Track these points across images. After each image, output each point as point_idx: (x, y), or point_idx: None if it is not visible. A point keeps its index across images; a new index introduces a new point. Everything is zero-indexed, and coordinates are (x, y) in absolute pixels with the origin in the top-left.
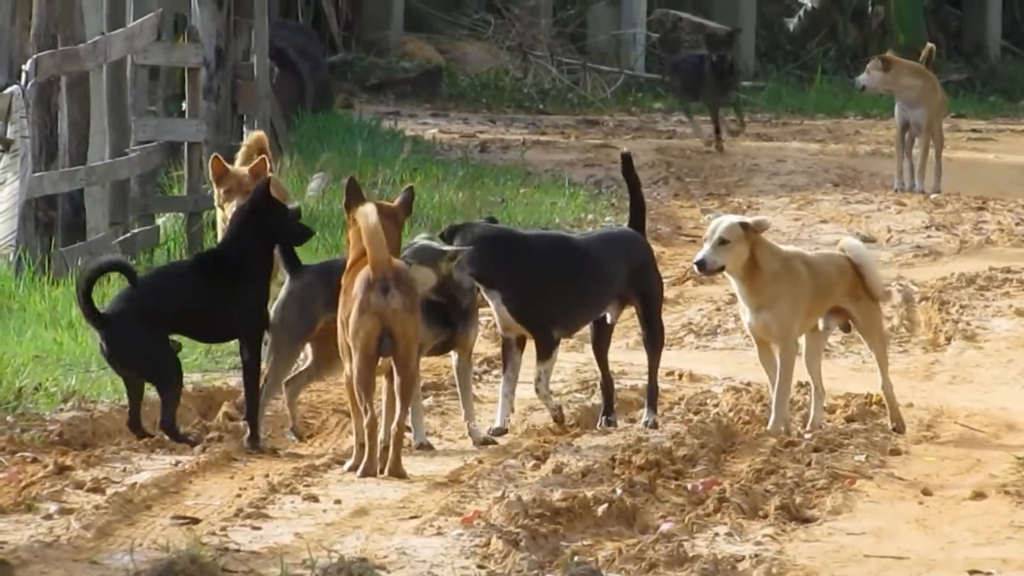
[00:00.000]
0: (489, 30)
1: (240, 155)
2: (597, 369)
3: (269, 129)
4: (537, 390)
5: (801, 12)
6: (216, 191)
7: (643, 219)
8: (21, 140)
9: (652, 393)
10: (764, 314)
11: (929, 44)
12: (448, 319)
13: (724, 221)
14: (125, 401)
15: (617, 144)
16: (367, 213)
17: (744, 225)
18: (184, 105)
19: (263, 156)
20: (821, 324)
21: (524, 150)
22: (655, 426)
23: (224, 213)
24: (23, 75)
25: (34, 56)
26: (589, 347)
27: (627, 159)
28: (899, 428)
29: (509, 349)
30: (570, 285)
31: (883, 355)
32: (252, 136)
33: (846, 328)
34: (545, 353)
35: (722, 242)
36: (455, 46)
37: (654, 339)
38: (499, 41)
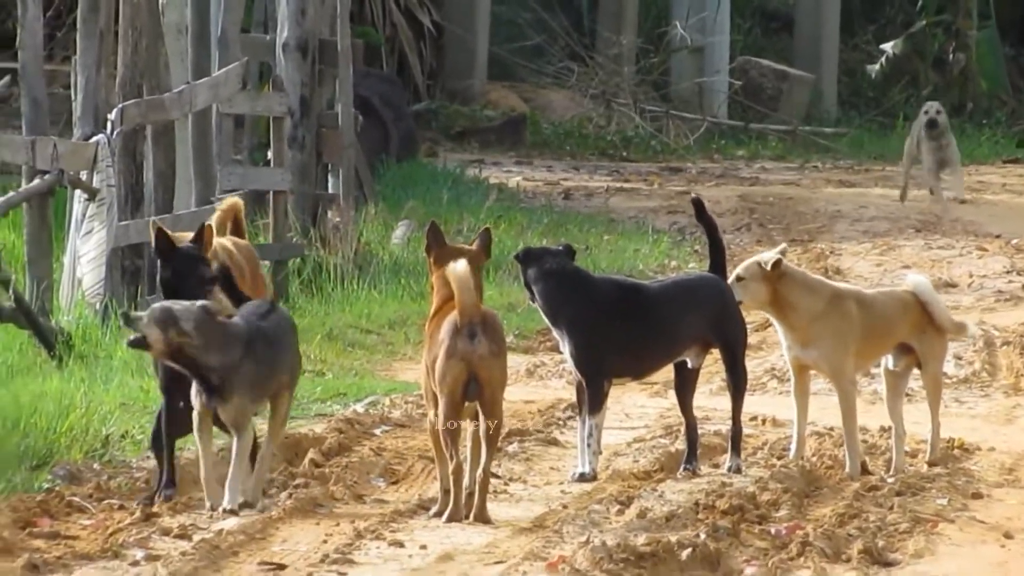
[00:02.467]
0: (573, 78)
1: (214, 219)
2: (680, 414)
3: (354, 178)
4: (588, 444)
5: (883, 59)
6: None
7: (723, 263)
8: (107, 189)
9: (736, 437)
10: (811, 351)
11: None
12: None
13: (747, 260)
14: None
15: (699, 191)
16: (456, 265)
17: (759, 264)
18: (269, 154)
19: (208, 226)
20: (891, 363)
21: (608, 197)
22: (739, 470)
23: None
24: (108, 124)
25: (120, 105)
26: (673, 392)
27: (698, 204)
28: (935, 463)
29: (581, 393)
30: (633, 334)
31: (936, 390)
32: (227, 201)
33: (919, 366)
34: (595, 406)
35: (739, 279)
36: (539, 94)
37: (737, 384)
38: (582, 89)
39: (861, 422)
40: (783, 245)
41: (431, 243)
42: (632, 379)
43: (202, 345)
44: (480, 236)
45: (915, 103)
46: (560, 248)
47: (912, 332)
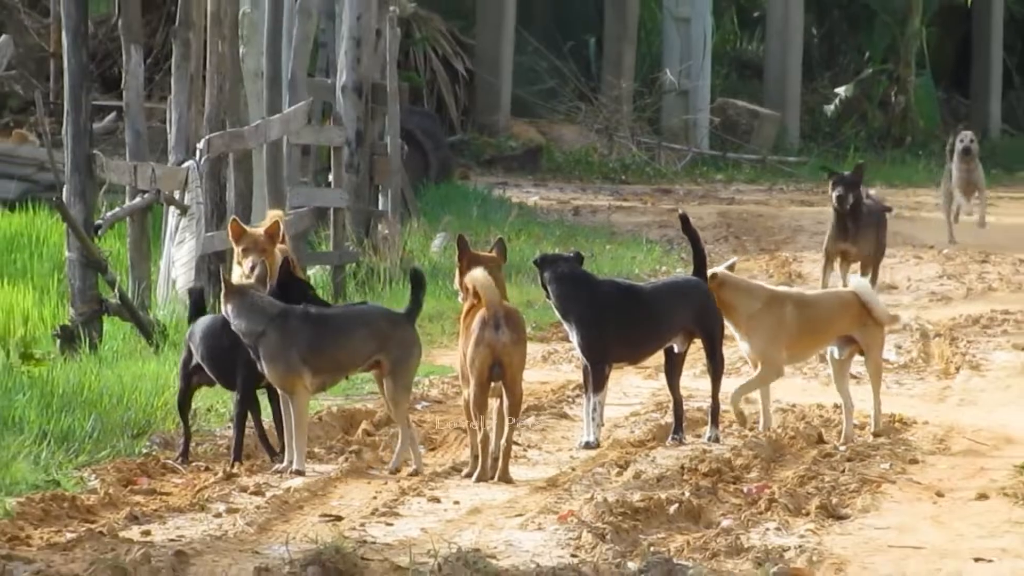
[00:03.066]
0: (581, 115)
1: (265, 222)
2: (669, 393)
3: (400, 197)
4: (592, 418)
5: (837, 100)
6: (235, 249)
7: (705, 267)
8: (196, 206)
9: (715, 412)
10: (746, 344)
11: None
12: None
13: None
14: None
15: (685, 209)
16: (474, 273)
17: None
18: (330, 177)
19: (275, 220)
20: (837, 353)
21: (609, 214)
22: (717, 440)
23: (242, 269)
24: (197, 152)
25: (206, 137)
26: (663, 375)
27: (684, 218)
28: (879, 434)
29: (586, 375)
30: (630, 326)
31: (877, 373)
32: (271, 214)
33: (861, 353)
34: (598, 386)
35: None
36: (553, 128)
37: (716, 368)
38: (589, 124)
39: (819, 400)
40: (732, 260)
41: (461, 252)
42: (628, 364)
43: (233, 312)
44: (496, 244)
45: (864, 136)
46: (571, 255)
47: (853, 326)
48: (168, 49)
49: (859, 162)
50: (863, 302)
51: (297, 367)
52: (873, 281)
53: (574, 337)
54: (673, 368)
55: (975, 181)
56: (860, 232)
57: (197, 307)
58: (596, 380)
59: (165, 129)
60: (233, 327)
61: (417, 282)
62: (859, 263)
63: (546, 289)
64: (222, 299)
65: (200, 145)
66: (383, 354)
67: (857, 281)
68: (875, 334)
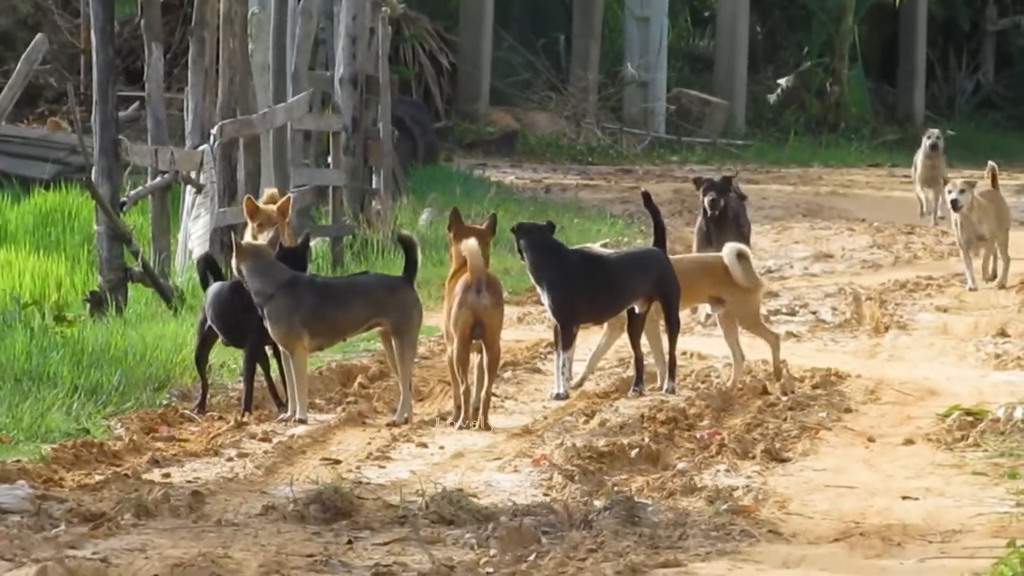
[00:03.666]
0: (552, 104)
1: (263, 200)
2: (631, 349)
3: (391, 177)
4: (562, 373)
5: (779, 90)
6: (250, 225)
7: (664, 239)
8: (210, 185)
9: (671, 367)
10: None
11: (991, 164)
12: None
13: None
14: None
15: (645, 187)
16: (468, 242)
17: None
18: (329, 159)
19: (287, 196)
20: (710, 309)
21: (577, 191)
22: (673, 392)
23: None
24: (211, 137)
25: (219, 123)
26: (624, 334)
27: (646, 195)
28: (785, 390)
29: (556, 335)
30: (596, 291)
31: (754, 328)
32: (267, 193)
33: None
34: (567, 344)
35: None
36: (527, 115)
37: (672, 328)
38: (559, 112)
39: (764, 356)
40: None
41: (452, 223)
42: (594, 324)
43: (248, 271)
44: (488, 219)
45: (802, 123)
46: (545, 224)
47: (717, 287)
48: (185, 46)
49: (728, 174)
50: (727, 266)
51: (298, 329)
52: None
53: (545, 300)
54: (635, 327)
55: (937, 176)
56: (723, 235)
57: (205, 273)
58: (565, 338)
59: (183, 117)
60: (246, 286)
61: (409, 246)
62: None
63: (522, 255)
64: (235, 261)
65: (214, 131)
66: (383, 318)
67: (727, 249)
68: (740, 296)
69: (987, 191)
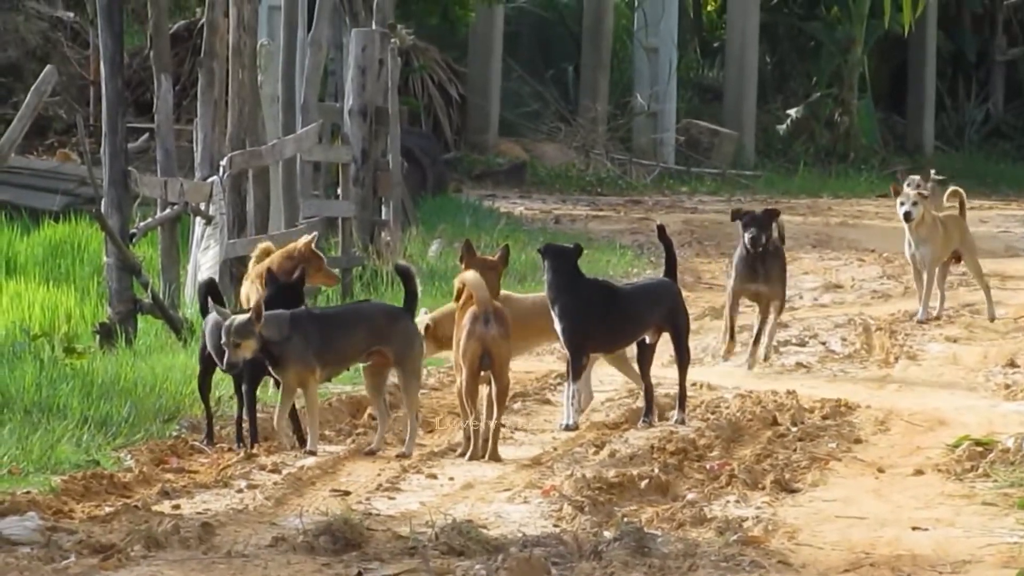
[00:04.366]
0: (561, 135)
1: (254, 256)
2: (641, 379)
3: (401, 208)
4: (572, 403)
5: (788, 121)
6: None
7: (675, 271)
8: (219, 216)
9: (682, 398)
10: None
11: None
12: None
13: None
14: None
15: (655, 218)
16: (467, 274)
17: None
18: (339, 190)
19: (312, 236)
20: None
21: (587, 222)
22: (683, 423)
23: (245, 290)
24: (221, 168)
25: (229, 155)
26: (634, 364)
27: (661, 228)
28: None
29: (568, 365)
30: (607, 322)
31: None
32: (260, 246)
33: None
34: (576, 374)
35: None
36: (536, 146)
37: (683, 359)
38: (568, 143)
39: (773, 387)
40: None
41: (464, 254)
42: (604, 354)
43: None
44: (501, 250)
45: (812, 153)
46: (572, 248)
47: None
48: (194, 77)
49: (770, 208)
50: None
51: (312, 364)
52: (778, 315)
53: (557, 326)
54: (644, 357)
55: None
56: (769, 272)
57: (206, 299)
58: (575, 368)
59: (192, 148)
60: (264, 339)
61: (407, 277)
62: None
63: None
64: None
65: (223, 162)
66: (385, 346)
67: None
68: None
69: (950, 216)
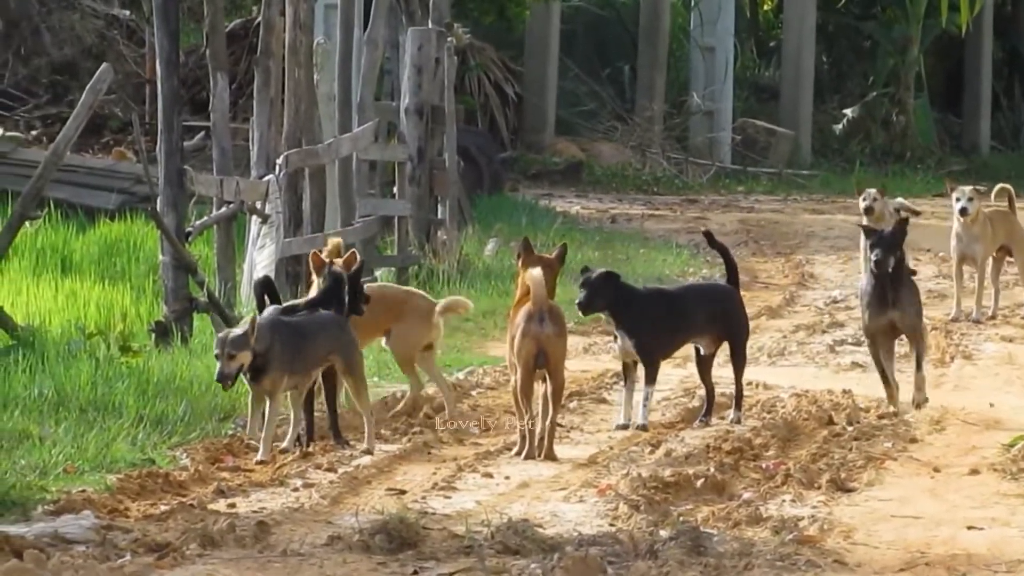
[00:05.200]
0: (618, 134)
1: (326, 252)
2: (702, 383)
3: (457, 207)
4: (645, 405)
5: (845, 120)
6: (315, 279)
7: (736, 275)
8: (275, 215)
9: (738, 398)
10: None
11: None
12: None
13: None
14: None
15: (711, 217)
16: (532, 271)
17: None
18: (395, 189)
19: (353, 250)
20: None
21: (643, 221)
22: (739, 422)
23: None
24: (277, 167)
25: (285, 153)
26: (691, 364)
27: (708, 235)
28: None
29: (627, 370)
30: (667, 326)
31: (409, 373)
32: (332, 242)
33: None
34: (652, 378)
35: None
36: (592, 145)
37: (739, 363)
38: (624, 142)
39: (829, 386)
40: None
41: (522, 252)
42: (664, 358)
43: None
44: (558, 248)
45: (868, 152)
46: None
47: (390, 320)
48: (250, 76)
49: (903, 216)
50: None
51: (286, 371)
52: (922, 355)
53: (628, 341)
54: (705, 361)
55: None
56: (901, 298)
57: (262, 297)
58: (651, 374)
59: (248, 147)
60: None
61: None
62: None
63: (602, 308)
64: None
65: (279, 161)
66: (336, 356)
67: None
68: (402, 330)
69: (997, 212)
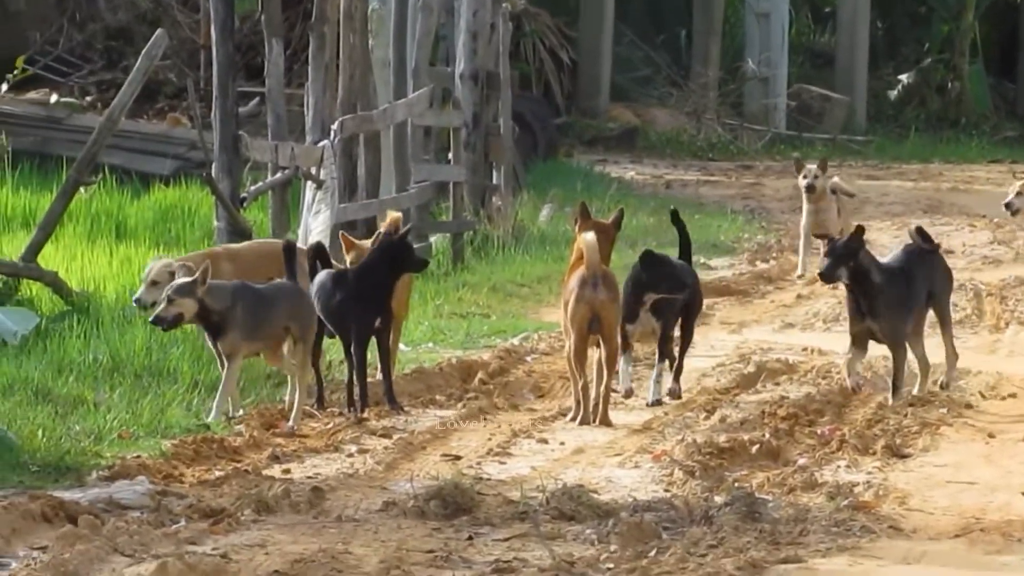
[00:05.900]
0: (672, 100)
1: (384, 225)
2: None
3: (512, 172)
4: (657, 382)
5: (900, 86)
6: (347, 259)
7: (690, 253)
8: (330, 180)
9: (677, 372)
10: None
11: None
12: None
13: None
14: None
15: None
16: (586, 235)
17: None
18: (449, 155)
19: (395, 215)
20: None
21: (698, 187)
22: (675, 394)
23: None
24: (332, 133)
25: (340, 119)
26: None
27: (674, 214)
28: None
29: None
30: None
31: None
32: (391, 216)
33: None
34: (665, 356)
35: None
36: (647, 111)
37: (686, 339)
38: (679, 108)
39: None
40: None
41: (580, 217)
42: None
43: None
44: (616, 213)
45: (923, 119)
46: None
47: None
48: (305, 41)
49: (856, 234)
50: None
51: (246, 337)
52: (899, 371)
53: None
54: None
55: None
56: (875, 307)
57: (315, 263)
58: (667, 347)
59: (303, 113)
60: (208, 306)
61: (290, 254)
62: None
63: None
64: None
65: (334, 127)
66: (294, 324)
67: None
68: None
69: (834, 183)
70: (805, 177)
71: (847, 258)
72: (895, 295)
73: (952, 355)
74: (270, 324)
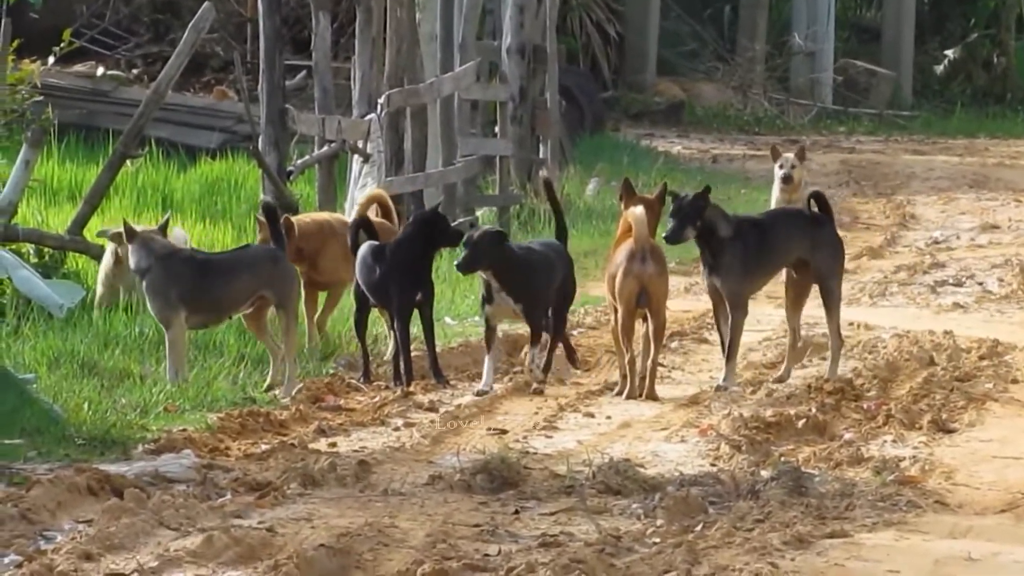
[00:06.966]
0: (719, 74)
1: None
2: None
3: (559, 146)
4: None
5: (946, 61)
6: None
7: (566, 233)
8: (377, 154)
9: (569, 353)
10: None
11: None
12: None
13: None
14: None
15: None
16: (635, 209)
17: None
18: (496, 129)
19: (374, 196)
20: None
21: (744, 162)
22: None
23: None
24: (378, 106)
25: (387, 93)
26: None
27: (547, 184)
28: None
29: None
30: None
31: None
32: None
33: None
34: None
35: None
36: (694, 86)
37: (559, 326)
38: (726, 82)
39: (930, 327)
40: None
41: (624, 191)
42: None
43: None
44: (659, 187)
45: (969, 94)
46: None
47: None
48: (352, 15)
49: (700, 192)
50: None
51: (174, 304)
52: (733, 336)
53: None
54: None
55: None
56: (720, 265)
57: (356, 235)
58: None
59: (350, 86)
60: (130, 264)
61: (271, 216)
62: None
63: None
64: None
65: (381, 100)
66: (267, 290)
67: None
68: None
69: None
70: (782, 167)
71: (694, 217)
72: (739, 251)
73: (837, 342)
74: (223, 296)
